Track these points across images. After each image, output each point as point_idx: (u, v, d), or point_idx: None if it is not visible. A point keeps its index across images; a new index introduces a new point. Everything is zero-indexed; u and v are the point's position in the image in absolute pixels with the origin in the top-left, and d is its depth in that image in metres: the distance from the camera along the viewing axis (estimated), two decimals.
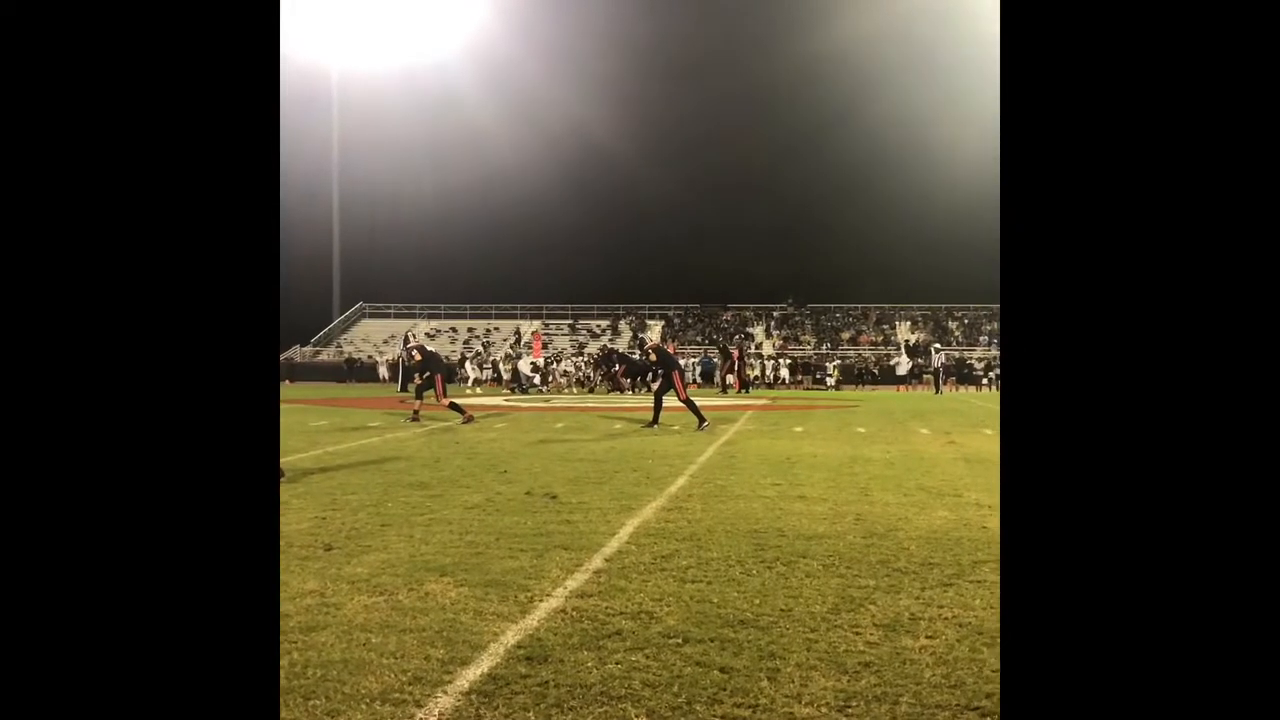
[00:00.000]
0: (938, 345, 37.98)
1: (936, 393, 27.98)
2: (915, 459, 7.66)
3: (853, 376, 38.02)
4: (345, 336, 44.45)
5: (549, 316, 51.29)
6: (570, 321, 52.03)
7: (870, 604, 3.17)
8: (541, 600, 3.18)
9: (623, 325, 52.13)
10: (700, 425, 10.63)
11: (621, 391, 26.07)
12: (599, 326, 52.06)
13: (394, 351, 31.85)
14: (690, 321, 51.51)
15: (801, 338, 47.86)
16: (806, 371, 38.62)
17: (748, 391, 28.37)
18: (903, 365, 36.41)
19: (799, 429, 11.26)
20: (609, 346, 31.24)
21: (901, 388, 35.80)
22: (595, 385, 29.52)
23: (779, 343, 47.28)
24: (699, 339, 48.29)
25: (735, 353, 29.70)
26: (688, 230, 55.56)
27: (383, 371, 33.92)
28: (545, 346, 44.00)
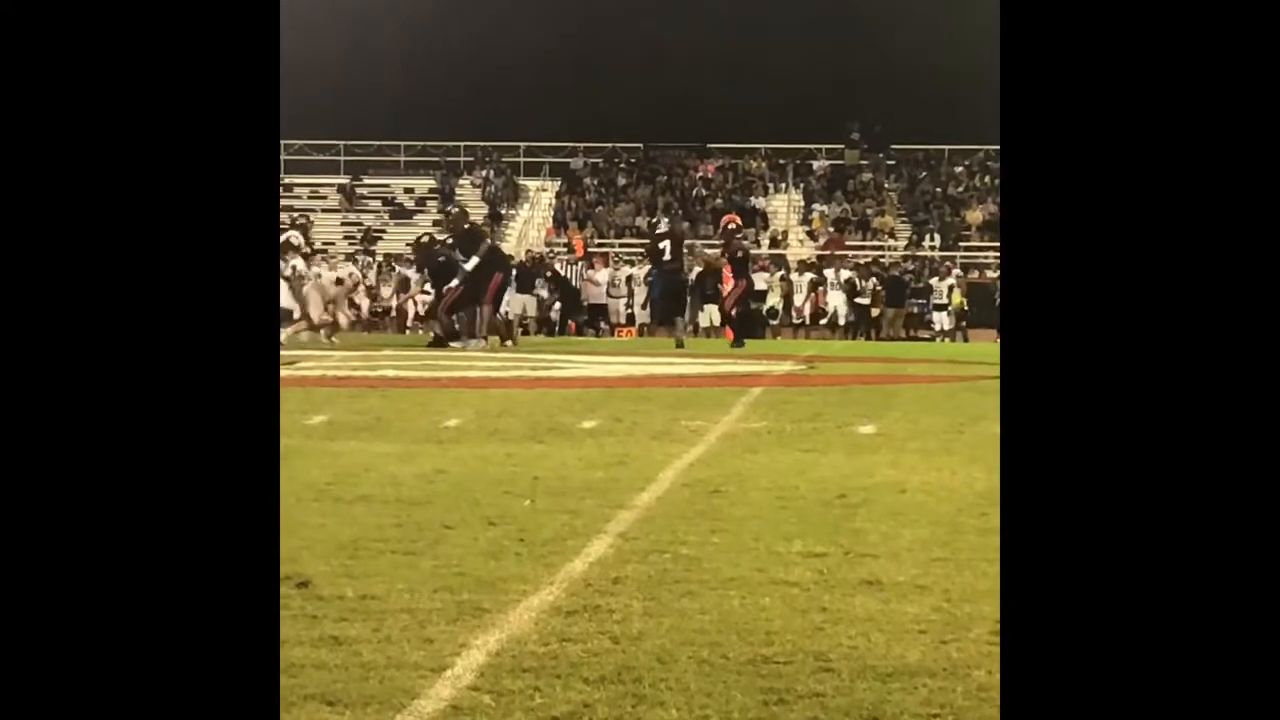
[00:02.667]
0: None
1: None
2: None
3: (991, 309, 38.62)
4: None
5: (295, 170, 50.89)
6: (344, 180, 51.73)
7: None
8: None
9: (464, 186, 52.06)
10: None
11: (461, 340, 26.04)
12: (409, 192, 51.89)
13: None
14: (623, 181, 51.61)
15: (876, 220, 48.41)
16: (892, 299, 39.12)
17: (740, 344, 28.59)
18: None
19: (867, 428, 11.45)
20: (434, 236, 31.00)
21: None
22: (394, 321, 29.31)
23: (828, 230, 47.71)
24: (637, 220, 48.41)
25: (725, 257, 29.86)
26: None
27: None
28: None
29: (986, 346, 30.59)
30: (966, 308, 37.53)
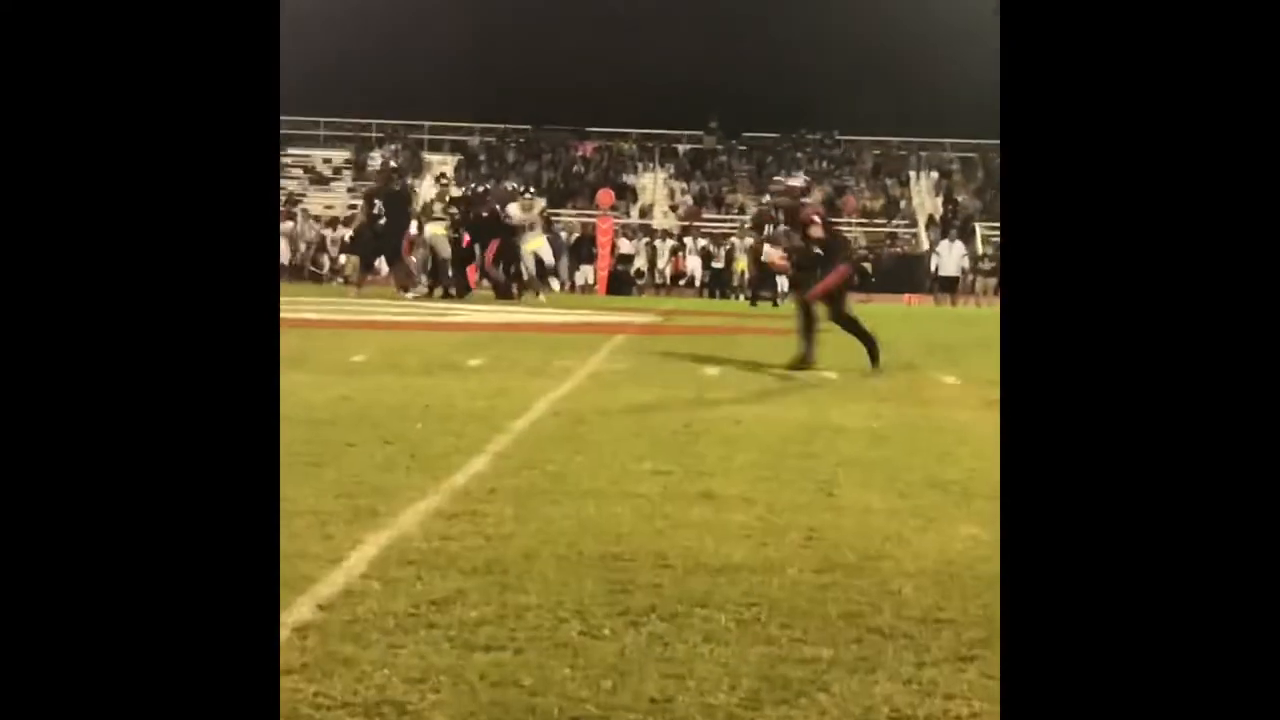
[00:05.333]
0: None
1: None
2: (926, 431, 8.02)
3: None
4: None
5: None
6: None
7: (821, 691, 3.32)
8: None
9: (375, 158, 51.69)
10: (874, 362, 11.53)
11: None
12: (327, 162, 51.45)
13: None
14: (512, 158, 51.43)
15: (729, 197, 48.58)
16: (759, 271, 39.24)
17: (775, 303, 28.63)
18: (947, 256, 37.30)
19: (711, 371, 11.51)
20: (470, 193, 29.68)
21: (917, 299, 36.89)
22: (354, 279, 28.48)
23: (688, 204, 47.84)
24: (527, 189, 48.20)
25: (604, 226, 29.82)
26: None
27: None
28: None
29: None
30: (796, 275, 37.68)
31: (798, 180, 12.67)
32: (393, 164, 30.30)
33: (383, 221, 24.77)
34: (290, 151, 50.37)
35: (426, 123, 51.83)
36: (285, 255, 36.40)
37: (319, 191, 46.49)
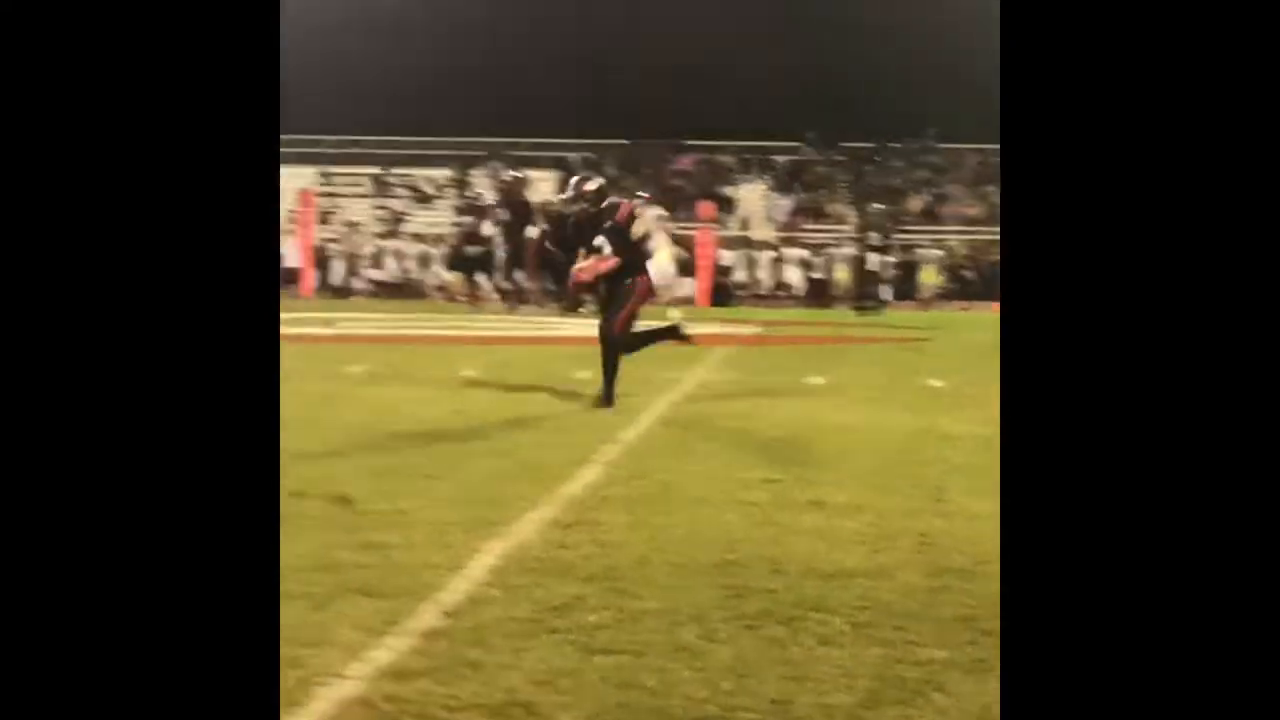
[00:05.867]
0: None
1: None
2: None
3: (964, 285, 38.84)
4: None
5: (336, 161, 50.80)
6: (377, 170, 51.69)
7: (937, 691, 3.37)
8: (322, 685, 3.32)
9: (476, 176, 52.14)
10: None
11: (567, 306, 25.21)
12: (430, 181, 51.98)
13: None
14: (612, 173, 51.63)
15: (828, 207, 48.47)
16: (862, 280, 39.26)
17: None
18: None
19: (817, 379, 11.51)
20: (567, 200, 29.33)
21: None
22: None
23: (786, 215, 47.80)
24: (638, 197, 48.43)
25: (704, 238, 29.70)
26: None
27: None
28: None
29: (919, 315, 30.79)
30: (895, 281, 37.38)
31: (593, 183, 11.11)
32: (515, 174, 30.11)
33: (503, 236, 24.57)
34: (394, 171, 51.02)
35: (525, 140, 52.28)
36: (392, 274, 36.87)
37: (422, 210, 46.94)
